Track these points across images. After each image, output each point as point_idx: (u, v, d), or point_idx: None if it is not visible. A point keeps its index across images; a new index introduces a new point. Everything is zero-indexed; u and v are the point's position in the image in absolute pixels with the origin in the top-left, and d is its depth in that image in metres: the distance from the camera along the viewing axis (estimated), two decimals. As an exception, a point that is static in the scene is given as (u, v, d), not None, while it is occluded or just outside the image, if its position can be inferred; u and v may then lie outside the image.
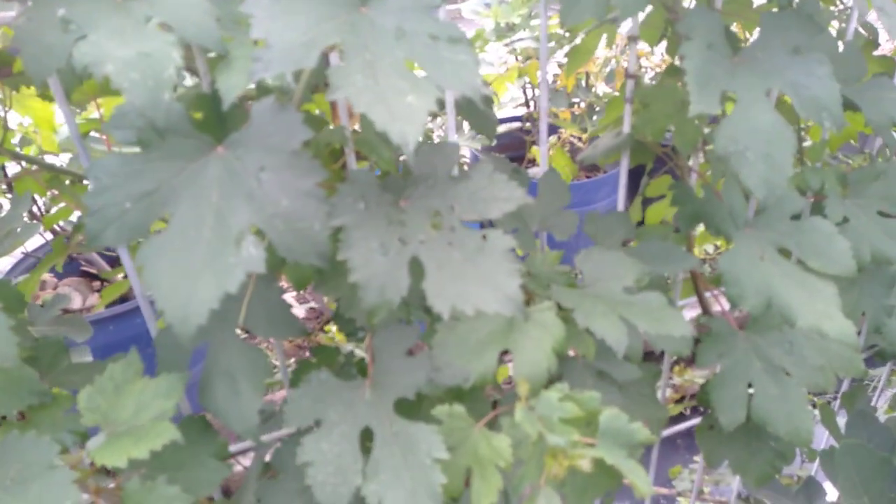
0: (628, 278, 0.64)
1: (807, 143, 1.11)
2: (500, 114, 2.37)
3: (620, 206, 0.86)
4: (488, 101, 0.87)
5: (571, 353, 0.75)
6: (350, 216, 0.48)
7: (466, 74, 0.47)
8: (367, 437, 0.54)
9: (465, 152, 2.52)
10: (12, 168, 1.55)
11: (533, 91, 2.24)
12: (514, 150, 2.23)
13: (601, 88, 2.10)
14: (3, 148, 0.91)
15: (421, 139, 0.44)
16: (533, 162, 2.11)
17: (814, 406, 1.79)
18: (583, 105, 1.94)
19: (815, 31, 0.64)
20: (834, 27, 1.17)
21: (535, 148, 2.07)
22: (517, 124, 1.94)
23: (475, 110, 0.85)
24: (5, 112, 1.01)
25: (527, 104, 2.32)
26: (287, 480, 0.59)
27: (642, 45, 1.22)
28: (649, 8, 0.99)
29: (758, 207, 0.80)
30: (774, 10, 0.66)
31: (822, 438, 1.49)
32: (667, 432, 1.34)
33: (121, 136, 0.44)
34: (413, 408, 0.56)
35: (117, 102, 0.52)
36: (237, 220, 0.46)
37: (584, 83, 2.13)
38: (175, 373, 0.53)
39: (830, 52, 0.81)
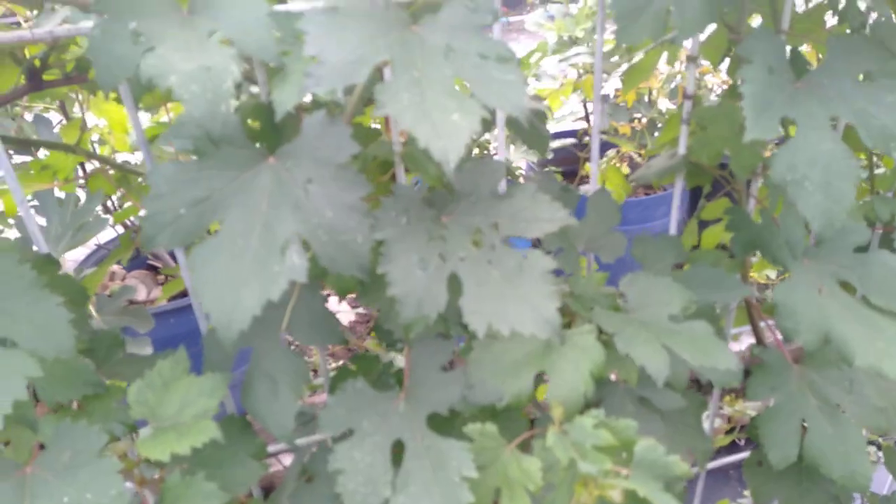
0: (674, 305, 0.62)
1: (879, 171, 1.06)
2: (557, 127, 2.35)
3: (673, 228, 0.84)
4: (541, 116, 0.87)
5: (613, 377, 0.74)
6: (392, 230, 0.49)
7: (513, 94, 0.47)
8: (399, 448, 0.54)
9: (521, 164, 2.52)
10: (91, 166, 1.65)
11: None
12: (569, 164, 2.21)
13: (663, 104, 2.06)
14: (79, 147, 0.97)
15: (465, 155, 0.44)
16: (586, 178, 2.08)
17: (878, 447, 1.69)
18: (644, 121, 1.91)
19: (885, 57, 0.61)
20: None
21: (588, 164, 2.05)
22: (571, 140, 1.91)
23: (525, 125, 0.85)
24: (83, 114, 1.07)
25: (586, 118, 2.30)
26: (321, 485, 0.61)
27: (707, 62, 1.19)
28: (713, 26, 0.97)
29: (818, 238, 0.76)
30: (846, 32, 0.63)
31: (886, 482, 1.40)
32: (717, 463, 1.29)
33: (180, 144, 0.46)
34: (447, 423, 0.56)
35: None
36: (284, 229, 0.47)
37: (646, 98, 2.09)
38: (220, 372, 0.55)
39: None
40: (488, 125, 0.53)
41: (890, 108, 0.59)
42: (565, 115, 2.32)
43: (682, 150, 0.82)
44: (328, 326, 0.57)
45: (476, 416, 0.56)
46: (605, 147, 2.19)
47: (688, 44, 0.75)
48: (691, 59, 0.77)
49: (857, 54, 0.62)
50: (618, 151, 2.06)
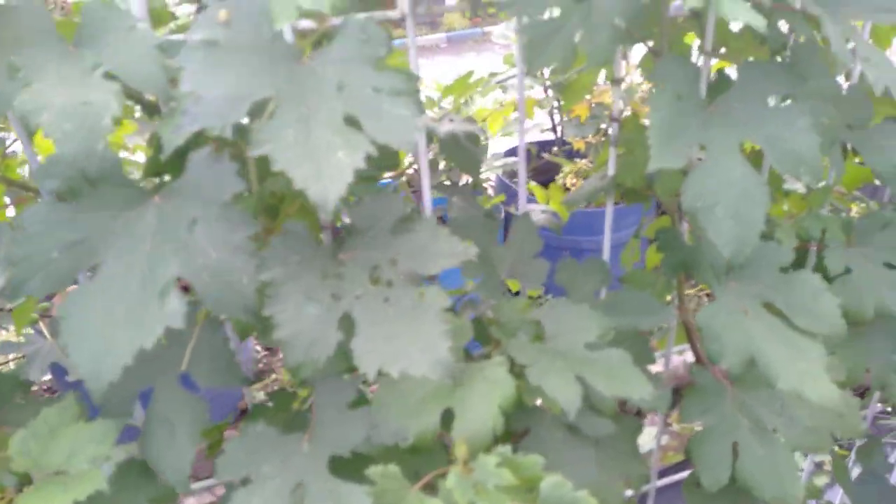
0: (592, 333, 0.61)
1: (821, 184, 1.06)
2: (527, 138, 2.35)
3: (606, 252, 0.83)
4: (473, 138, 0.86)
5: (539, 403, 0.73)
6: (280, 270, 0.47)
7: (402, 129, 0.46)
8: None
9: (491, 176, 2.51)
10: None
11: (561, 116, 2.22)
12: (545, 174, 2.22)
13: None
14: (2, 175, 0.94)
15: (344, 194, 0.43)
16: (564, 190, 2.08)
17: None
18: (597, 136, 1.92)
19: (798, 81, 0.61)
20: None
21: (566, 169, 2.05)
22: (513, 158, 1.90)
23: (457, 147, 0.84)
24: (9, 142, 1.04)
25: (553, 130, 2.31)
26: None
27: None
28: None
29: (742, 260, 0.76)
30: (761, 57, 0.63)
31: (837, 496, 1.41)
32: (668, 480, 1.29)
33: (50, 184, 0.44)
34: (356, 463, 0.55)
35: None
36: (165, 272, 0.45)
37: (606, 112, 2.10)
38: (114, 418, 0.53)
39: (833, 95, 0.78)
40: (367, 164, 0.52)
41: (800, 132, 0.59)
42: (530, 127, 2.33)
43: (610, 171, 0.81)
44: (229, 367, 0.55)
45: (390, 455, 0.55)
46: (570, 157, 2.19)
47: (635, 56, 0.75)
48: (616, 82, 0.77)
49: (770, 78, 0.62)
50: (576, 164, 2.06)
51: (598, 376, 0.57)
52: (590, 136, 1.88)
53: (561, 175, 2.08)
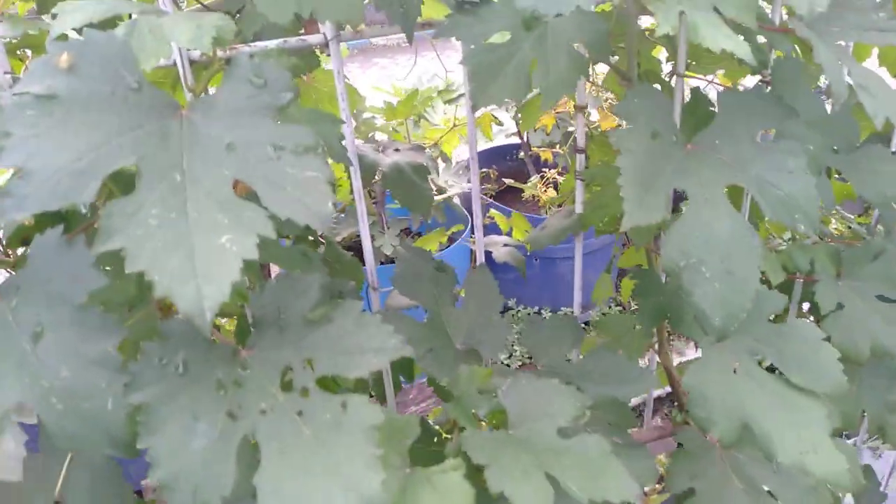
0: (565, 415, 0.52)
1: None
2: (494, 143, 2.27)
3: (576, 305, 0.74)
4: (422, 171, 0.76)
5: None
6: (157, 388, 0.36)
7: (314, 197, 0.36)
8: None
9: (456, 190, 2.41)
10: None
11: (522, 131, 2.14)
12: (514, 175, 2.12)
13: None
14: None
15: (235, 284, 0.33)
16: (534, 201, 1.99)
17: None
18: (560, 147, 1.84)
19: (784, 114, 0.53)
20: (822, 84, 1.06)
21: (533, 180, 1.96)
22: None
23: (403, 182, 0.74)
24: None
25: (519, 134, 2.22)
26: None
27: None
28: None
29: (734, 328, 0.67)
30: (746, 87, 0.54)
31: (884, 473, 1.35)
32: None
33: None
34: None
35: None
36: (2, 398, 0.34)
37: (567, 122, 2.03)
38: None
39: (817, 115, 0.70)
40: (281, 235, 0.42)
41: (794, 176, 0.51)
42: (498, 132, 2.23)
43: (577, 208, 0.72)
44: (115, 491, 0.44)
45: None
46: (536, 167, 2.11)
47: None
48: (579, 109, 0.68)
49: (754, 111, 0.53)
50: (542, 176, 1.98)
51: (573, 474, 0.48)
52: (557, 146, 1.80)
53: (530, 184, 2.00)
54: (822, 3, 0.43)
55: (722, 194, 0.51)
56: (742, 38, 0.44)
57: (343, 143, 0.50)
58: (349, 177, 0.60)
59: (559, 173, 1.89)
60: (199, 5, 0.63)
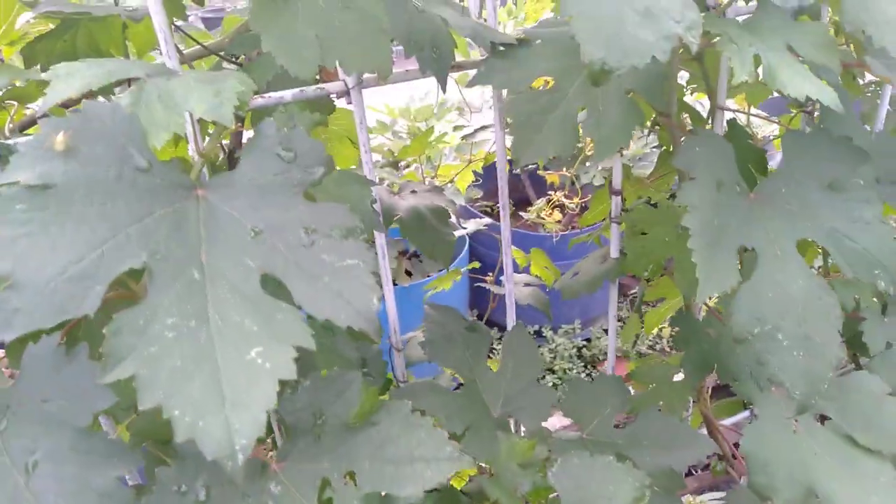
0: (623, 498, 0.47)
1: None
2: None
3: (610, 363, 0.69)
4: (442, 215, 0.71)
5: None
6: (175, 524, 0.31)
7: (355, 292, 0.30)
8: None
9: (470, 227, 2.36)
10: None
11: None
12: (511, 196, 2.07)
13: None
14: None
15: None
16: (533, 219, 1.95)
17: None
18: (568, 170, 1.79)
19: (854, 158, 0.48)
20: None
21: (538, 204, 1.91)
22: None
23: (423, 228, 0.69)
24: None
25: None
26: None
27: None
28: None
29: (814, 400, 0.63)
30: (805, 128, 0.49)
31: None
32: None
33: None
34: None
35: None
36: (-11, 545, 0.29)
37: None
38: None
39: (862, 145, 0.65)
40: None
41: (869, 228, 0.46)
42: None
43: (613, 253, 0.67)
44: None
45: None
46: (538, 192, 2.06)
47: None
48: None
49: (820, 155, 0.48)
50: (548, 200, 1.93)
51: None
52: (564, 168, 1.75)
53: (533, 209, 1.95)
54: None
55: (793, 249, 0.46)
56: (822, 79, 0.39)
57: (375, 205, 0.44)
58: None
59: (566, 196, 1.85)
60: (198, 47, 0.57)
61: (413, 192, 0.74)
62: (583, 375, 1.79)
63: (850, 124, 0.60)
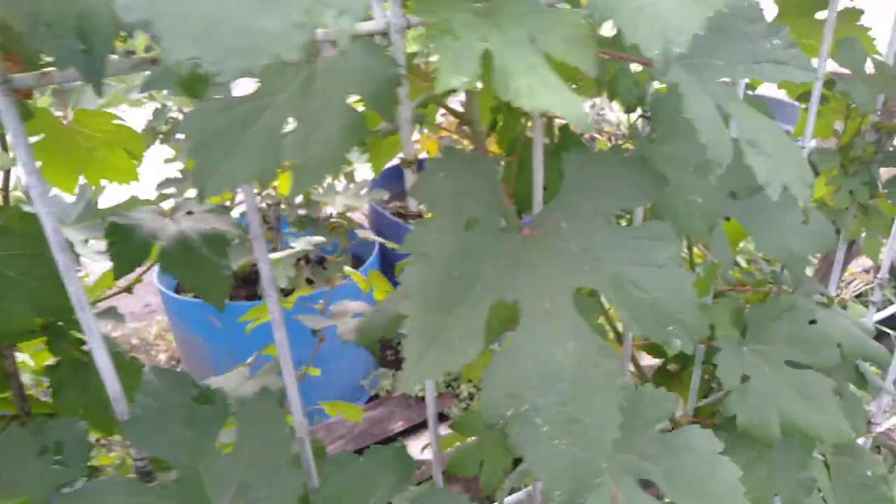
0: None
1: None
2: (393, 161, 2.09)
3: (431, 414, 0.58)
4: (216, 243, 0.58)
5: None
6: None
7: None
8: None
9: (364, 205, 2.22)
10: None
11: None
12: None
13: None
14: None
15: None
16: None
17: None
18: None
19: (650, 185, 0.38)
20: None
21: None
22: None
23: (192, 260, 0.57)
24: None
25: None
26: None
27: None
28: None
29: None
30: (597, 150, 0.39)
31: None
32: None
33: None
34: None
35: None
36: None
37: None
38: None
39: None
40: None
41: (661, 272, 0.36)
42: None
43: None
44: None
45: None
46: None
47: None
48: (406, 164, 0.51)
49: (611, 181, 0.38)
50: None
51: None
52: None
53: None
54: (682, 42, 0.28)
55: (569, 303, 0.36)
56: (574, 85, 0.29)
57: None
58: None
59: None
60: None
61: (189, 213, 0.61)
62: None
63: (682, 125, 0.50)
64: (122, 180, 0.65)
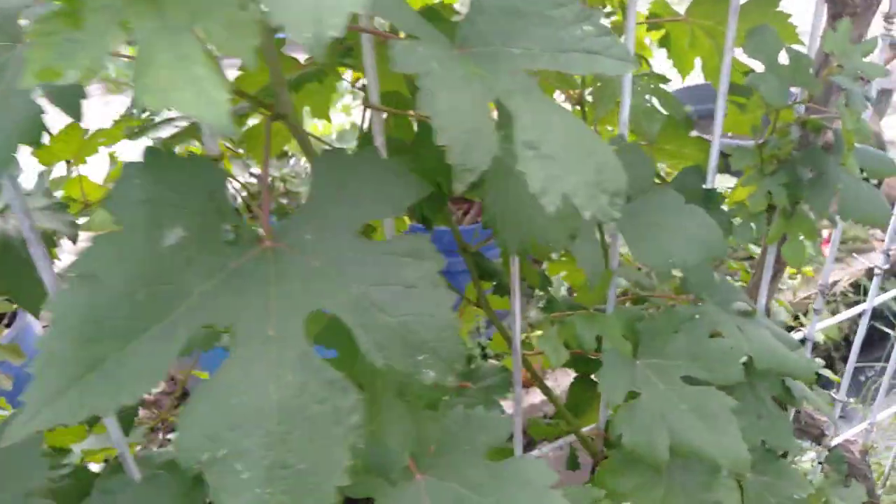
0: None
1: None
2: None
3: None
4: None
5: None
6: None
7: None
8: None
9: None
10: None
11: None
12: None
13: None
14: None
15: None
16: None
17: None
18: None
19: (411, 191, 0.33)
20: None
21: None
22: None
23: (10, 263, 0.52)
24: None
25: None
26: None
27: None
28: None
29: (440, 435, 0.48)
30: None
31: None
32: None
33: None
34: None
35: None
36: None
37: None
38: None
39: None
40: None
41: (412, 294, 0.31)
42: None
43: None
44: None
45: None
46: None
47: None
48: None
49: (362, 185, 0.33)
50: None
51: None
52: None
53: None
54: (338, 25, 0.23)
55: (299, 328, 0.31)
56: (220, 86, 0.24)
57: None
58: None
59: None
60: None
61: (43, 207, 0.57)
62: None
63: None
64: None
